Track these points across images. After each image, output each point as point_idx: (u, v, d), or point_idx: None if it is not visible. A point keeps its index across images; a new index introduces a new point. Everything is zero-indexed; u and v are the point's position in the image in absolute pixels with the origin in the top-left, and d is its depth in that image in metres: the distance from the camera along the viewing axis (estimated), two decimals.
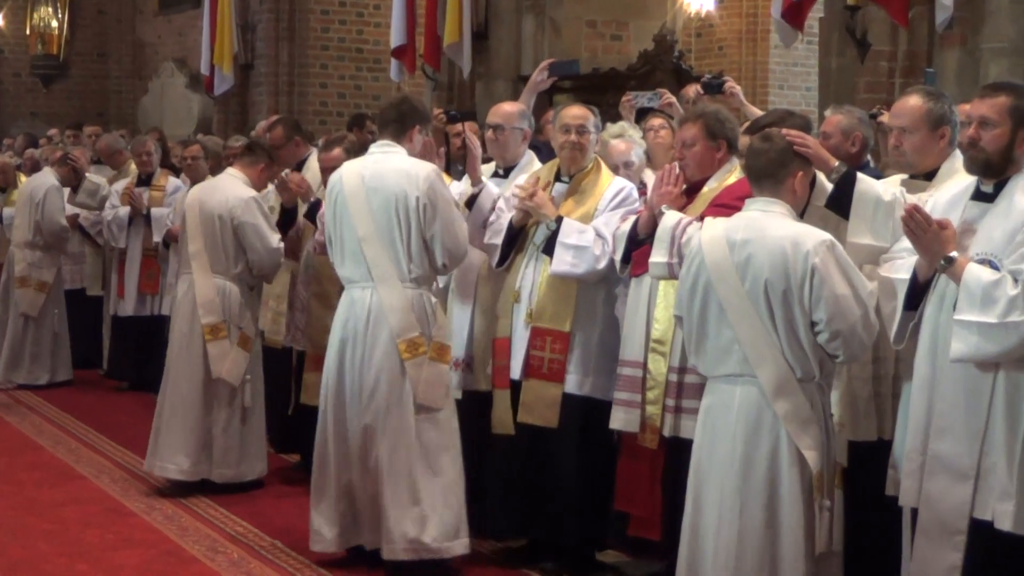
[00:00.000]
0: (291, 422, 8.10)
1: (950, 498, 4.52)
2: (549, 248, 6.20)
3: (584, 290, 6.21)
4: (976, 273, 4.43)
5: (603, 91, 11.50)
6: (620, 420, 5.92)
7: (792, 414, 4.71)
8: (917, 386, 4.69)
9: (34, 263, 11.15)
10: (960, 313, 4.44)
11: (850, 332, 4.67)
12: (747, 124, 6.40)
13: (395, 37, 13.14)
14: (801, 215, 4.97)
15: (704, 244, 4.89)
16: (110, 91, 20.67)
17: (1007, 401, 4.42)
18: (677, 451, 5.53)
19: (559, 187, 6.40)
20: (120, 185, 11.00)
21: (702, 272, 4.86)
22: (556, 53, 12.37)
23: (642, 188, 6.57)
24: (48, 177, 11.31)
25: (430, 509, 6.19)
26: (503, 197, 6.54)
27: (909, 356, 4.82)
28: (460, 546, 6.27)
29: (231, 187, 7.89)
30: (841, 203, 5.07)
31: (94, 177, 11.26)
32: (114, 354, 11.34)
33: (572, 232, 6.14)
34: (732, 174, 5.79)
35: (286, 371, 8.12)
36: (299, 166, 8.72)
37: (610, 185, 6.33)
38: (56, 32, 20.30)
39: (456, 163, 7.58)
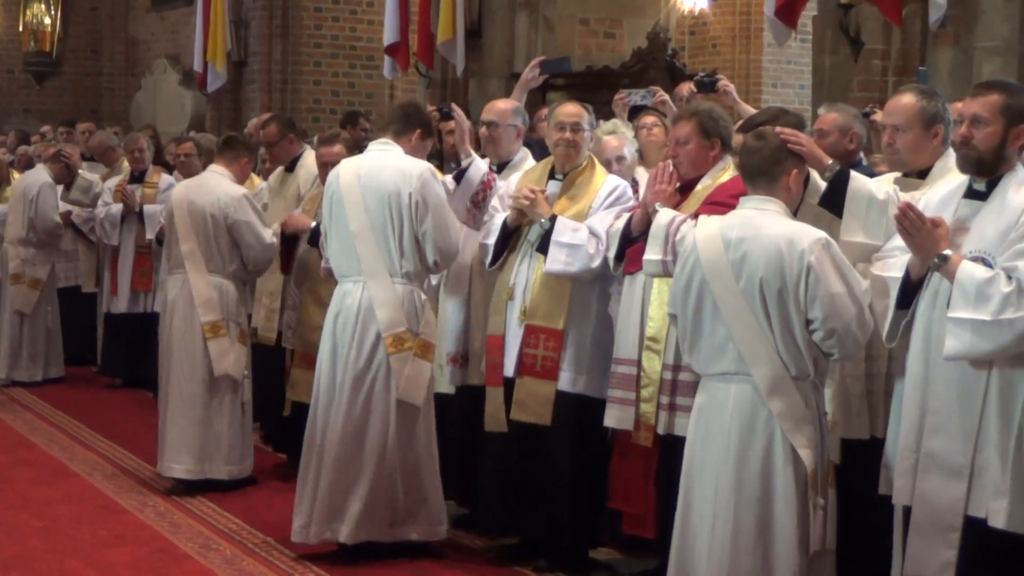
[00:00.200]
0: (286, 420, 8.09)
1: (944, 496, 4.52)
2: (543, 246, 6.20)
3: (578, 288, 6.22)
4: (970, 271, 4.44)
5: (596, 89, 11.50)
6: (614, 418, 5.92)
7: (787, 412, 4.71)
8: (910, 384, 4.69)
9: (28, 260, 11.14)
10: (954, 311, 4.44)
11: (845, 330, 4.68)
12: (740, 122, 6.41)
13: (388, 34, 13.15)
14: (795, 213, 4.97)
15: (699, 242, 4.89)
16: (103, 88, 20.65)
17: (1000, 398, 4.42)
18: (671, 449, 5.52)
19: (553, 185, 6.40)
20: (113, 182, 10.99)
21: (697, 270, 4.86)
22: (549, 51, 12.40)
23: (634, 186, 6.57)
24: (41, 174, 11.29)
25: (410, 499, 6.36)
26: (497, 196, 6.54)
27: (902, 354, 4.82)
28: (441, 532, 6.47)
29: (219, 185, 7.89)
30: (834, 201, 5.07)
31: (87, 174, 11.25)
32: (107, 351, 11.33)
33: (566, 231, 6.15)
34: (726, 172, 5.80)
35: (280, 369, 8.11)
36: (293, 163, 8.72)
37: (604, 183, 6.33)
38: (49, 29, 20.28)
39: (449, 160, 7.59)
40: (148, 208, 10.51)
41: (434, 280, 6.83)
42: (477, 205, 6.57)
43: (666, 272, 5.48)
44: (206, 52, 15.36)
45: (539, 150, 7.36)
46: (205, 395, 7.72)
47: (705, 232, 4.91)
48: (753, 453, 4.74)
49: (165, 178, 10.74)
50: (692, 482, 4.89)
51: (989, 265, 4.44)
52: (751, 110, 7.60)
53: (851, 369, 5.27)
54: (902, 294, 4.70)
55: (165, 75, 18.81)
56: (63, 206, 11.23)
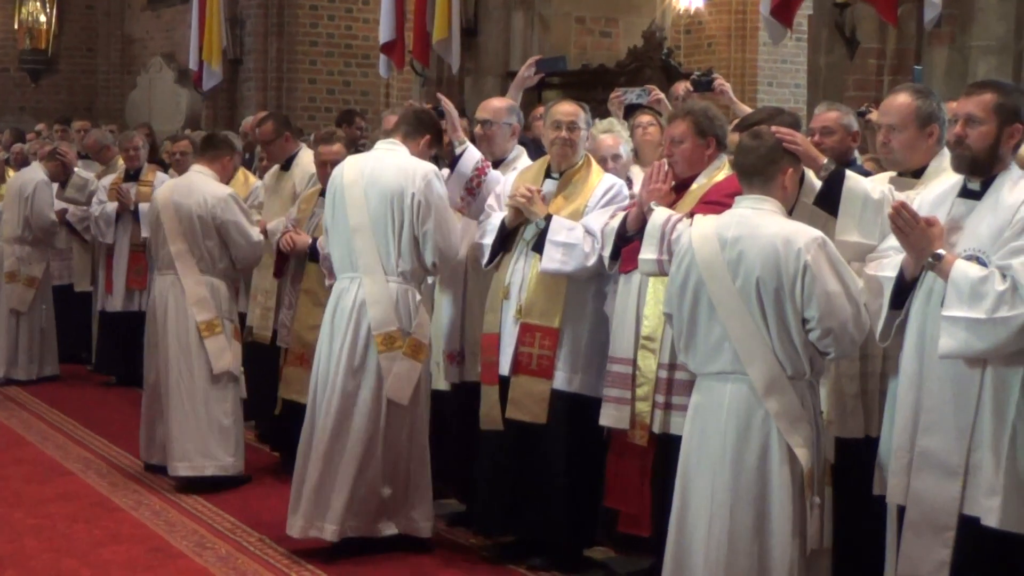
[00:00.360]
0: (279, 419, 8.08)
1: (939, 495, 4.52)
2: (539, 245, 6.20)
3: (573, 287, 6.22)
4: (964, 269, 4.44)
5: (592, 88, 11.51)
6: (610, 417, 5.92)
7: (783, 412, 4.72)
8: (904, 383, 4.69)
9: (23, 258, 11.14)
10: (948, 309, 4.44)
11: (841, 329, 4.68)
12: (736, 121, 6.41)
13: (384, 33, 13.12)
14: (790, 213, 4.97)
15: (694, 242, 4.89)
16: (98, 86, 20.64)
17: (994, 397, 4.43)
18: (667, 448, 5.52)
19: (549, 183, 6.40)
20: (108, 180, 10.99)
21: (692, 270, 4.86)
22: (545, 49, 12.41)
23: (629, 184, 6.57)
24: (37, 172, 11.29)
25: (396, 496, 6.41)
26: (494, 194, 6.55)
27: (896, 353, 4.82)
28: (430, 528, 6.50)
29: (205, 186, 7.93)
30: (829, 200, 5.08)
31: (82, 172, 11.25)
32: (102, 349, 11.32)
33: (561, 230, 6.15)
34: (721, 171, 5.80)
35: (275, 368, 8.11)
36: (288, 162, 8.73)
37: (600, 182, 6.33)
38: (44, 27, 20.26)
39: (443, 158, 7.60)
40: (143, 206, 10.48)
41: (430, 279, 6.83)
42: (471, 192, 6.58)
43: (661, 271, 5.48)
44: (201, 50, 15.34)
45: (534, 149, 7.37)
46: (208, 393, 7.78)
47: (701, 231, 4.91)
48: (749, 452, 4.74)
49: (160, 176, 10.72)
50: (688, 481, 4.89)
51: (983, 264, 4.44)
52: (747, 109, 7.60)
53: (846, 368, 5.28)
54: (895, 294, 4.70)
55: (161, 73, 18.80)
56: (58, 204, 11.22)
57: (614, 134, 6.88)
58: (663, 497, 5.32)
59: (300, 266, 7.84)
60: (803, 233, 4.73)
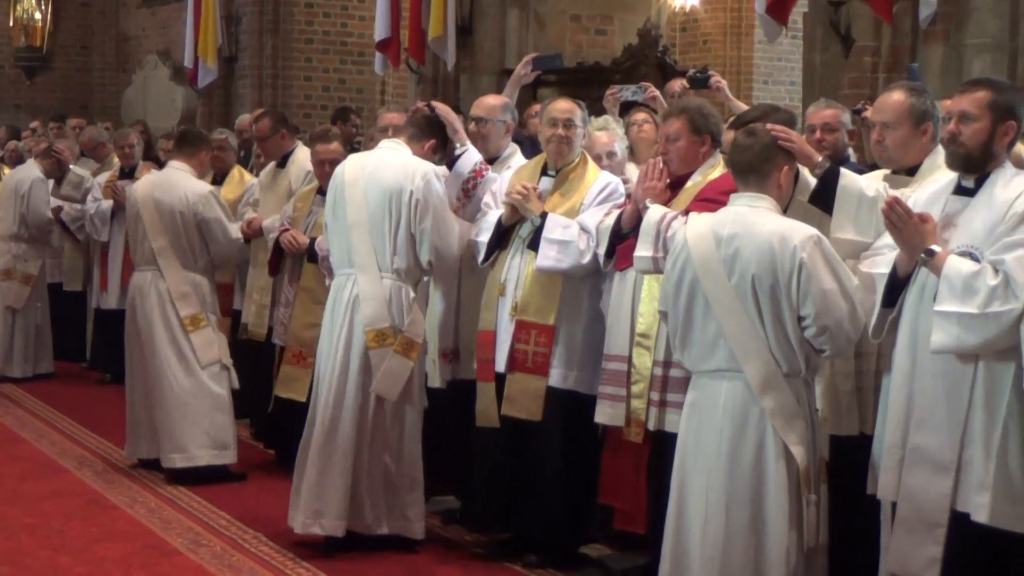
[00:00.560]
0: (273, 416, 8.09)
1: (930, 491, 4.52)
2: (535, 243, 6.20)
3: (569, 284, 6.22)
4: (956, 265, 4.44)
5: (588, 85, 11.52)
6: (605, 414, 5.92)
7: (778, 409, 4.72)
8: (897, 379, 4.69)
9: (19, 256, 11.13)
10: (941, 304, 4.44)
11: (837, 327, 4.68)
12: (732, 119, 6.42)
13: (379, 30, 13.12)
14: (785, 210, 4.97)
15: (690, 239, 4.89)
16: (93, 83, 20.60)
17: (986, 393, 4.42)
18: (662, 445, 5.53)
19: (545, 181, 6.41)
20: (103, 178, 10.99)
21: (688, 267, 4.86)
22: (540, 47, 12.41)
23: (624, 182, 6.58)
24: (33, 169, 11.28)
25: (386, 494, 6.41)
26: (490, 192, 6.55)
27: (891, 351, 4.82)
28: (422, 529, 6.49)
29: (185, 183, 8.02)
30: (824, 198, 5.08)
31: (78, 169, 11.24)
32: (97, 347, 11.31)
33: (557, 227, 6.15)
34: (716, 169, 5.80)
35: (271, 366, 8.10)
36: (284, 159, 8.73)
37: (596, 180, 6.33)
38: (39, 24, 20.21)
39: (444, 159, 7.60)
40: None
41: (425, 278, 6.83)
42: (467, 193, 6.59)
43: (657, 268, 5.49)
44: (197, 48, 15.33)
45: (529, 146, 7.37)
46: (199, 384, 7.88)
47: (696, 229, 4.91)
48: (745, 450, 4.74)
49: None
50: (685, 479, 4.89)
51: (976, 260, 4.44)
52: (743, 106, 7.62)
53: (841, 366, 5.28)
54: (888, 291, 4.71)
55: (156, 71, 18.77)
56: (54, 202, 11.21)
57: (609, 131, 6.90)
58: (658, 494, 5.33)
59: (297, 264, 7.84)
60: (799, 231, 4.73)
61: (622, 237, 5.86)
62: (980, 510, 4.40)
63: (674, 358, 5.30)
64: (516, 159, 6.88)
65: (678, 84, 8.86)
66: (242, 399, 8.92)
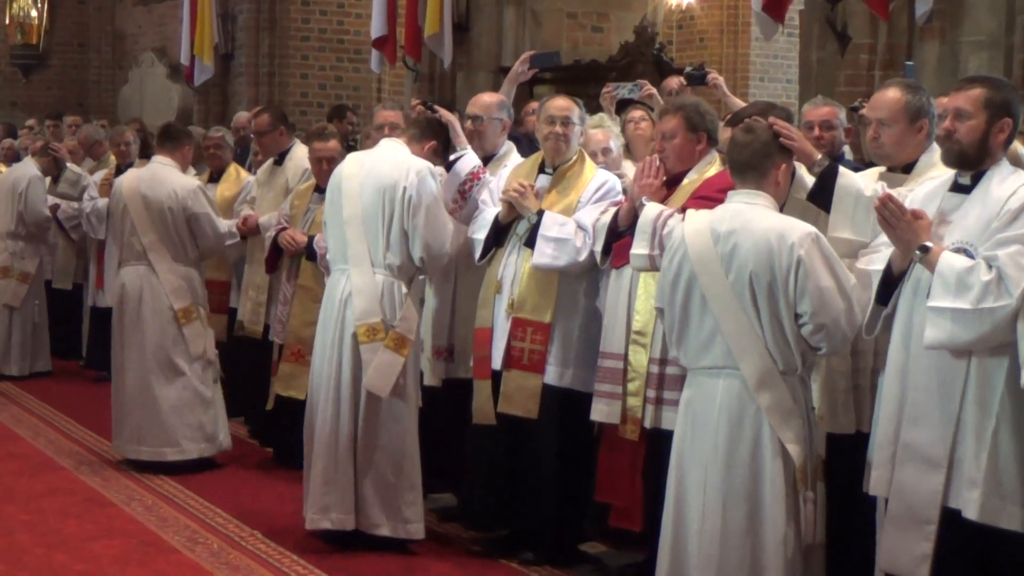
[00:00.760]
0: (271, 415, 8.09)
1: (922, 487, 4.52)
2: (531, 241, 6.21)
3: (565, 282, 6.22)
4: (950, 260, 4.45)
5: (584, 83, 11.52)
6: (601, 412, 5.93)
7: (774, 407, 4.72)
8: (890, 375, 4.69)
9: (16, 253, 11.12)
10: (934, 300, 4.45)
11: (834, 324, 4.68)
12: (729, 116, 6.42)
13: (376, 28, 13.12)
14: (781, 208, 4.98)
15: (687, 236, 4.89)
16: (90, 81, 20.59)
17: (979, 389, 4.42)
18: (658, 442, 5.53)
19: (543, 179, 6.41)
20: (99, 176, 10.98)
21: (685, 264, 4.86)
22: (537, 45, 12.41)
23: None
24: (30, 167, 11.27)
25: (395, 491, 6.39)
26: (488, 190, 6.55)
27: (887, 348, 4.82)
28: (419, 530, 6.46)
29: (171, 177, 8.14)
30: (822, 196, 5.08)
31: (75, 167, 11.25)
32: (93, 344, 11.30)
33: (553, 225, 6.16)
34: (712, 166, 5.80)
35: (266, 363, 8.11)
36: (282, 157, 8.73)
37: (594, 178, 6.33)
38: (36, 22, 20.21)
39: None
40: None
41: (421, 276, 6.83)
42: (464, 196, 6.58)
43: (653, 266, 5.49)
44: (193, 45, 15.32)
45: (526, 144, 7.38)
46: (194, 376, 8.03)
47: (694, 226, 4.91)
48: (742, 447, 4.74)
49: None
50: (682, 476, 4.89)
51: (971, 256, 4.44)
52: (740, 103, 7.62)
53: (837, 364, 5.27)
54: (882, 288, 4.71)
55: (152, 68, 18.76)
56: (50, 200, 11.20)
57: (604, 129, 6.90)
58: (655, 492, 5.34)
59: (295, 262, 7.85)
60: (797, 228, 4.74)
61: (618, 235, 5.86)
62: (970, 506, 4.40)
63: (670, 355, 5.30)
64: (512, 157, 6.88)
65: (675, 81, 8.87)
66: (239, 397, 8.95)
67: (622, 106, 8.01)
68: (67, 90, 20.39)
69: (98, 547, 6.51)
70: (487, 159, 6.87)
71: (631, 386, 5.76)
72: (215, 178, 9.46)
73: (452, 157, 6.66)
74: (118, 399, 8.15)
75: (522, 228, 6.29)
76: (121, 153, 10.85)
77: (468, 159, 6.63)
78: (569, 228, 6.13)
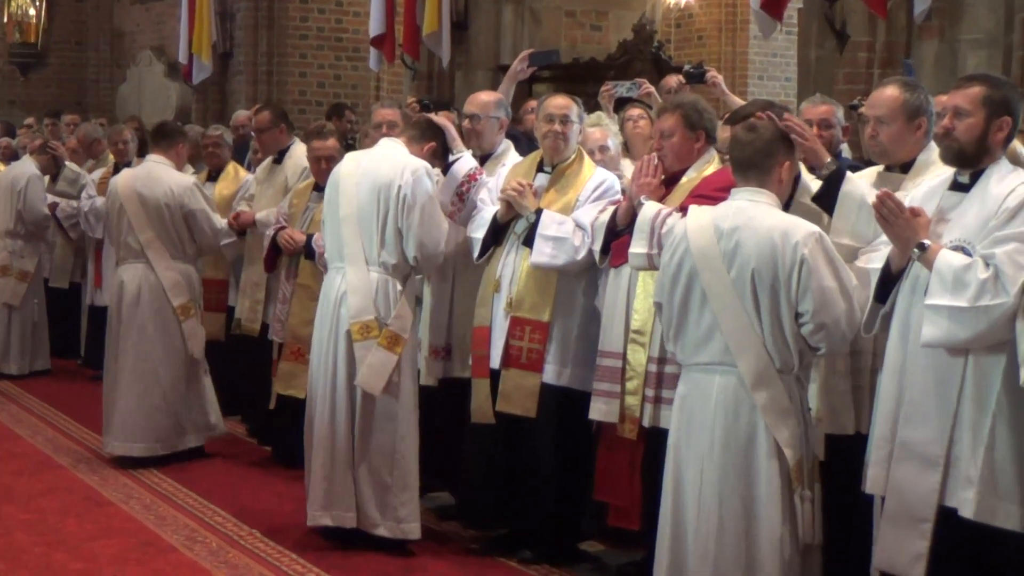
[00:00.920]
0: (270, 413, 8.09)
1: (918, 486, 4.52)
2: (530, 240, 6.21)
3: (564, 280, 6.22)
4: (948, 258, 4.45)
5: (583, 81, 11.52)
6: (600, 411, 5.93)
7: (770, 405, 4.72)
8: (887, 373, 4.69)
9: (15, 252, 11.11)
10: (931, 298, 4.44)
11: (834, 325, 4.68)
12: (727, 115, 6.42)
13: (374, 26, 13.13)
14: (785, 207, 4.96)
15: (690, 231, 4.87)
16: (88, 79, 20.58)
17: (976, 387, 4.42)
18: (656, 441, 5.51)
19: (541, 177, 6.41)
20: (97, 174, 10.97)
21: (687, 259, 4.85)
22: (535, 43, 12.41)
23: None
24: (29, 166, 11.26)
25: (390, 491, 6.38)
26: (487, 188, 6.55)
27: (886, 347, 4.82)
28: (416, 529, 6.44)
29: (168, 176, 8.25)
30: (826, 199, 5.08)
31: (74, 165, 11.25)
32: (91, 343, 11.29)
33: (551, 224, 6.15)
34: (710, 165, 5.80)
35: (265, 362, 8.10)
36: (281, 155, 8.73)
37: (592, 176, 6.33)
38: (33, 20, 20.19)
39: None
40: None
41: (418, 275, 6.83)
42: (461, 198, 6.58)
43: (651, 265, 5.48)
44: (191, 44, 15.32)
45: (525, 142, 7.37)
46: (191, 371, 8.20)
47: (697, 221, 4.90)
48: (737, 445, 4.74)
49: None
50: (679, 473, 4.88)
51: (969, 254, 4.44)
52: (739, 102, 7.62)
53: (837, 365, 5.26)
54: (880, 286, 4.71)
55: (150, 67, 18.76)
56: (49, 198, 11.19)
57: (602, 127, 6.90)
58: (653, 491, 5.33)
59: (294, 261, 7.84)
60: (801, 227, 4.73)
61: (617, 234, 5.86)
62: (967, 505, 4.40)
63: (667, 348, 5.28)
64: (510, 156, 6.88)
65: (674, 80, 8.87)
66: (236, 396, 8.95)
67: (621, 104, 8.01)
68: (65, 88, 20.37)
69: (97, 546, 6.51)
70: (485, 157, 6.87)
71: (629, 385, 5.76)
72: (213, 176, 9.46)
73: (450, 159, 6.66)
74: (110, 396, 8.20)
75: (520, 227, 6.29)
76: (119, 151, 10.85)
77: (465, 161, 6.63)
78: (567, 227, 6.13)
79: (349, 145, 8.50)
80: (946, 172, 4.77)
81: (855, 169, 5.37)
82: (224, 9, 15.98)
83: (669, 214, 5.49)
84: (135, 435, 8.04)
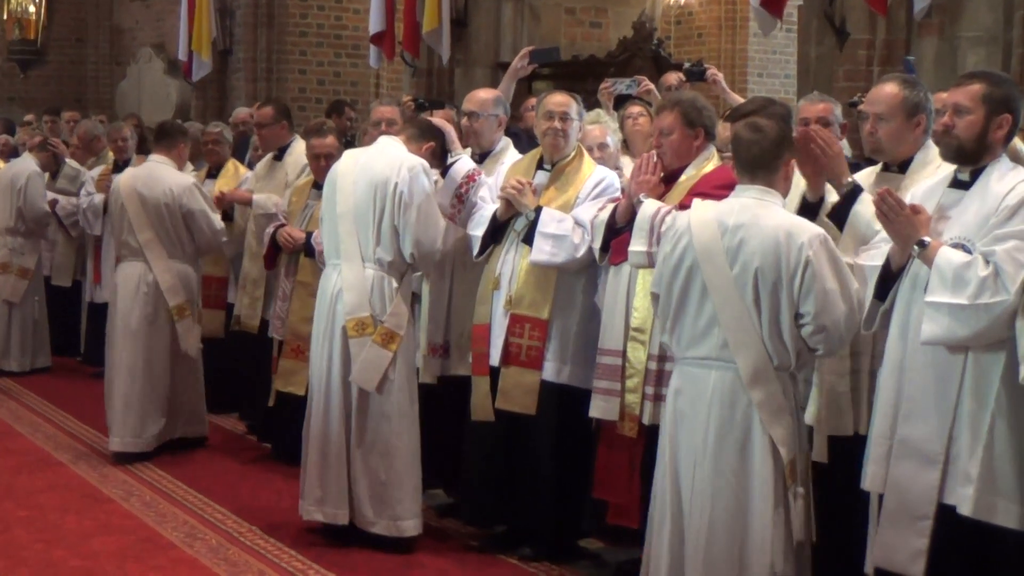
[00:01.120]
0: (270, 411, 8.09)
1: (918, 483, 4.52)
2: (529, 237, 6.21)
3: (563, 278, 6.22)
4: (948, 256, 4.45)
5: (582, 78, 11.53)
6: (599, 408, 5.92)
7: (766, 402, 4.72)
8: (887, 370, 4.69)
9: (16, 249, 11.10)
10: (931, 295, 4.45)
11: (834, 327, 4.68)
12: (728, 112, 6.42)
13: (374, 23, 13.13)
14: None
15: (693, 225, 4.86)
16: (88, 77, 20.58)
17: (975, 384, 4.42)
18: (656, 439, 5.52)
19: (541, 175, 6.41)
20: (96, 172, 10.97)
21: (688, 252, 4.84)
22: (535, 40, 12.41)
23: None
24: (29, 163, 11.25)
25: (386, 488, 6.38)
26: (487, 186, 6.55)
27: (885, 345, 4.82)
28: (416, 526, 6.44)
29: (168, 176, 8.32)
30: (839, 215, 5.08)
31: (74, 162, 11.25)
32: (91, 340, 11.30)
33: (551, 221, 6.15)
34: (710, 162, 5.80)
35: (264, 359, 8.10)
36: (281, 152, 8.73)
37: (592, 174, 6.33)
38: (33, 17, 20.18)
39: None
40: None
41: (415, 272, 6.83)
42: (460, 199, 6.58)
43: (651, 263, 5.47)
44: (191, 41, 15.32)
45: (525, 140, 7.37)
46: (185, 372, 8.35)
47: (701, 216, 4.89)
48: (731, 440, 4.74)
49: None
50: (674, 466, 4.88)
51: (969, 252, 4.44)
52: (739, 99, 7.63)
53: (836, 366, 5.24)
54: (880, 283, 4.71)
55: (150, 64, 18.76)
56: (49, 195, 11.19)
57: (601, 124, 6.90)
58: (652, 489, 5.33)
59: (294, 259, 7.84)
60: (805, 228, 4.73)
61: (617, 232, 5.86)
62: (966, 503, 4.40)
63: (661, 339, 5.27)
64: (509, 153, 6.88)
65: (674, 77, 8.87)
66: (236, 393, 8.95)
67: (620, 102, 8.01)
68: (65, 86, 20.37)
69: (97, 543, 6.52)
70: (484, 155, 6.87)
71: (629, 383, 5.76)
72: (213, 174, 9.47)
73: (448, 161, 6.65)
74: (108, 392, 8.29)
75: (520, 225, 6.29)
76: (119, 149, 10.84)
77: (464, 163, 6.63)
78: (567, 224, 6.13)
79: (349, 142, 8.50)
80: (945, 170, 4.77)
81: (855, 168, 5.37)
82: (224, 6, 15.98)
83: (668, 212, 5.48)
84: (128, 431, 8.11)
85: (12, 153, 12.32)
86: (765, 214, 4.77)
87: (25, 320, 11.16)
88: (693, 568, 4.79)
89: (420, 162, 6.46)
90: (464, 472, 6.62)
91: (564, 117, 6.32)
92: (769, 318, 4.72)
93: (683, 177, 5.78)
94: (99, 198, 10.62)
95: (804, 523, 4.78)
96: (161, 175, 8.27)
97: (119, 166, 10.79)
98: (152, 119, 15.38)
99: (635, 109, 7.61)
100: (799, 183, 5.23)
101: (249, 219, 8.62)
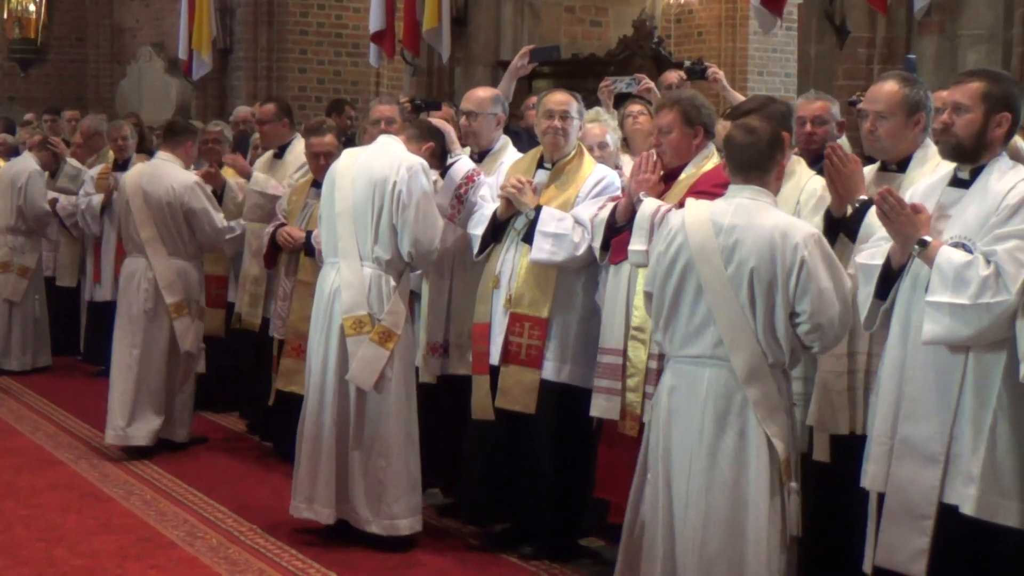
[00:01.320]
0: (271, 409, 8.09)
1: (918, 482, 4.52)
2: (529, 236, 6.21)
3: (563, 277, 6.22)
4: (948, 255, 4.44)
5: (583, 77, 11.53)
6: (600, 408, 5.92)
7: (762, 400, 4.73)
8: (888, 370, 4.69)
9: (16, 248, 11.11)
10: (932, 295, 4.44)
11: (829, 325, 4.70)
12: (728, 110, 6.42)
13: (374, 22, 13.13)
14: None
15: (688, 224, 4.87)
16: (88, 75, 20.57)
17: (976, 384, 4.42)
18: None
19: (541, 174, 6.41)
20: (95, 171, 10.97)
21: (683, 252, 4.85)
22: (535, 39, 12.42)
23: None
24: (29, 162, 11.26)
25: (382, 487, 6.38)
26: (487, 185, 6.55)
27: (886, 344, 4.82)
28: (413, 525, 6.44)
29: (171, 173, 8.37)
30: (849, 226, 5.09)
31: (74, 161, 11.25)
32: (90, 339, 11.30)
33: (551, 220, 6.15)
34: (709, 160, 5.79)
35: (265, 358, 8.10)
36: (282, 150, 8.74)
37: (592, 172, 6.33)
38: (34, 16, 20.17)
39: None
40: None
41: (414, 271, 6.83)
42: (460, 199, 6.59)
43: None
44: (191, 39, 15.33)
45: (526, 138, 7.37)
46: (184, 370, 8.37)
47: (695, 215, 4.90)
48: (727, 438, 4.75)
49: None
50: (667, 464, 4.89)
51: (970, 251, 4.44)
52: (739, 97, 7.63)
53: (832, 366, 5.25)
54: (881, 282, 4.70)
55: (150, 63, 18.75)
56: (49, 194, 11.20)
57: (600, 123, 6.90)
58: None
59: (294, 258, 7.84)
60: (800, 228, 4.75)
61: (617, 230, 5.86)
62: (967, 502, 4.40)
63: (654, 338, 5.27)
64: (508, 152, 6.88)
65: (674, 75, 8.87)
66: (236, 391, 8.95)
67: (620, 100, 8.01)
68: (65, 84, 20.37)
69: (97, 542, 6.52)
70: (482, 154, 6.87)
71: (630, 382, 5.76)
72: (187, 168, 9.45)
73: (448, 161, 6.65)
74: (114, 385, 8.32)
75: (520, 224, 6.29)
76: (118, 148, 10.85)
77: (463, 163, 6.64)
78: (567, 223, 6.13)
79: (349, 141, 8.51)
80: (944, 168, 4.77)
81: None
82: (224, 5, 15.98)
83: (668, 210, 5.48)
84: (121, 423, 8.19)
85: (12, 152, 12.32)
86: (760, 214, 4.78)
87: (26, 319, 11.17)
88: (688, 565, 4.79)
89: (419, 161, 6.46)
90: (464, 471, 6.62)
91: (564, 116, 6.33)
92: (764, 317, 4.73)
93: (683, 176, 5.78)
94: (97, 199, 10.62)
95: (796, 519, 4.79)
96: (165, 173, 8.33)
97: (119, 165, 10.81)
98: (152, 118, 15.41)
99: (635, 108, 7.61)
100: (799, 183, 5.23)
101: (243, 204, 8.64)
